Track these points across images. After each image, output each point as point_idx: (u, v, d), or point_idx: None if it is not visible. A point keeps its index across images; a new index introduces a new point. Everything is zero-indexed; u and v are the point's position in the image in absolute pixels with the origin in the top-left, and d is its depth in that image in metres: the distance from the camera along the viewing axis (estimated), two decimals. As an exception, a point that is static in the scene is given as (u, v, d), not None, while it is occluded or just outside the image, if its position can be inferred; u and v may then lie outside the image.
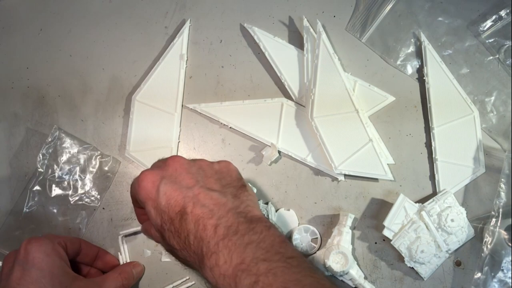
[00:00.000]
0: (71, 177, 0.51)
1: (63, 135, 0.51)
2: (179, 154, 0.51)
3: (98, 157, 0.51)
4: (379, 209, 0.47)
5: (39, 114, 0.53)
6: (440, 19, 0.50)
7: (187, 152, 0.51)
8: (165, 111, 0.51)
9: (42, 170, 0.50)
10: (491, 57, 0.49)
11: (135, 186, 0.35)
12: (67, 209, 0.50)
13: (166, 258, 0.49)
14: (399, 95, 0.48)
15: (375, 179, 0.48)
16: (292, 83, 0.49)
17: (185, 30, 0.52)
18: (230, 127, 0.50)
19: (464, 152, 0.47)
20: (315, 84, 0.48)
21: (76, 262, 0.46)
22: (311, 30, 0.49)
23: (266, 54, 0.50)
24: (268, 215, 0.47)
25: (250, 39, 0.51)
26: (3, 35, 0.55)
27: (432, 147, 0.47)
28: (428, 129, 0.48)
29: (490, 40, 0.49)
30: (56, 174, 0.50)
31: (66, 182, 0.50)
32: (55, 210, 0.50)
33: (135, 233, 0.49)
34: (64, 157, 0.51)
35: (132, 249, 0.49)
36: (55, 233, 0.50)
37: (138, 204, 0.36)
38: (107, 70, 0.53)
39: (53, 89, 0.53)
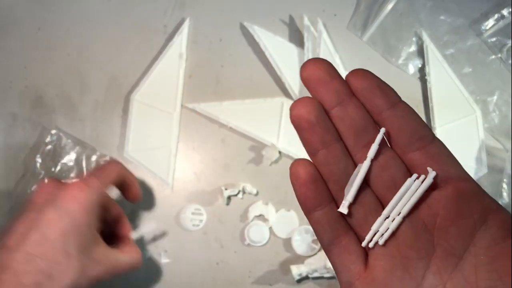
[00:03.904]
0: (69, 177, 0.50)
1: (61, 135, 0.51)
2: (178, 154, 0.50)
3: (97, 157, 0.50)
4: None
5: (37, 114, 0.52)
6: (442, 18, 0.49)
7: (186, 152, 0.50)
8: (164, 110, 0.50)
9: (40, 170, 0.50)
10: (493, 56, 0.48)
11: None
12: (66, 209, 0.50)
13: (166, 258, 0.48)
14: (400, 94, 0.48)
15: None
16: (293, 82, 0.49)
17: (184, 29, 0.51)
18: (230, 127, 0.50)
19: (466, 152, 0.47)
20: (315, 83, 0.47)
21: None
22: (312, 29, 0.49)
23: (267, 53, 0.50)
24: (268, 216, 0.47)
25: (250, 38, 0.51)
26: (0, 34, 0.54)
27: (434, 147, 0.47)
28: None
29: (492, 39, 0.49)
30: (54, 174, 0.50)
31: (64, 182, 0.50)
32: (53, 211, 0.50)
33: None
34: (62, 157, 0.50)
35: (131, 250, 0.49)
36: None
37: None
38: (105, 69, 0.52)
39: (51, 89, 0.53)
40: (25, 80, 0.53)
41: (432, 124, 0.47)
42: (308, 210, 0.23)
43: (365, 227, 0.22)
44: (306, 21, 0.49)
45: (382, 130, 0.22)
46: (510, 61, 0.48)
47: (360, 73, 0.22)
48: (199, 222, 0.48)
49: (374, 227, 0.22)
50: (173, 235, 0.49)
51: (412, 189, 0.21)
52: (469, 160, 0.46)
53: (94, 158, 0.50)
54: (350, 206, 0.22)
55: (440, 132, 0.47)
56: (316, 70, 0.22)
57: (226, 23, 0.52)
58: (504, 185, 0.45)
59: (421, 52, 0.49)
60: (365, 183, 0.22)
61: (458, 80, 0.48)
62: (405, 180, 0.22)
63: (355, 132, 0.22)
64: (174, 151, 0.50)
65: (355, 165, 0.22)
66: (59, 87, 0.53)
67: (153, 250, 0.49)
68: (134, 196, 0.44)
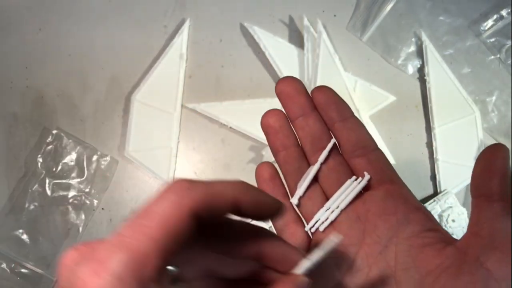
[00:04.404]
0: (70, 177, 0.50)
1: (62, 135, 0.51)
2: (178, 154, 0.50)
3: (97, 157, 0.50)
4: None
5: (38, 114, 0.52)
6: (441, 18, 0.49)
7: (186, 152, 0.50)
8: (165, 111, 0.50)
9: (41, 170, 0.50)
10: (492, 57, 0.49)
11: None
12: (66, 209, 0.50)
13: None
14: (400, 94, 0.48)
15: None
16: (293, 82, 0.49)
17: (185, 29, 0.52)
18: (230, 127, 0.50)
19: (465, 152, 0.47)
20: (315, 83, 0.47)
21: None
22: (312, 29, 0.49)
23: (266, 54, 0.50)
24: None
25: (250, 38, 0.51)
26: (1, 34, 0.54)
27: (433, 147, 0.47)
28: (429, 129, 0.48)
29: (491, 40, 0.49)
30: (55, 174, 0.50)
31: (65, 182, 0.50)
32: (54, 211, 0.50)
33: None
34: (63, 157, 0.50)
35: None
36: (55, 233, 0.50)
37: None
38: (106, 69, 0.52)
39: (52, 89, 0.53)
40: (26, 80, 0.53)
41: (431, 124, 0.47)
42: None
43: (311, 217, 0.27)
44: (306, 21, 0.49)
45: (332, 140, 0.26)
46: (509, 62, 0.48)
47: (322, 89, 0.27)
48: (200, 221, 0.49)
49: (316, 216, 0.26)
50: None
51: (351, 188, 0.26)
52: (468, 160, 0.47)
53: (95, 158, 0.50)
54: (300, 199, 0.27)
55: (439, 132, 0.47)
56: (286, 87, 0.27)
57: (226, 24, 0.52)
58: (503, 185, 0.45)
59: (420, 53, 0.49)
60: (316, 181, 0.27)
61: (457, 80, 0.48)
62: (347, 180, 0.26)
63: (311, 140, 0.27)
64: (175, 151, 0.50)
65: (308, 166, 0.27)
66: (60, 87, 0.53)
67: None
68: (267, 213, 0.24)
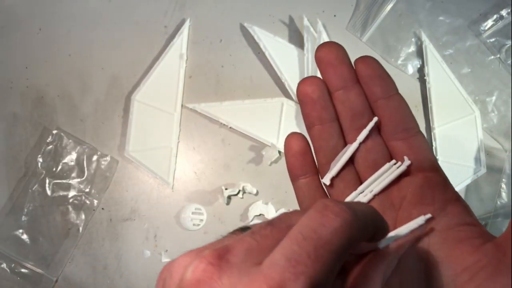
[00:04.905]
0: (70, 177, 0.50)
1: (62, 135, 0.51)
2: (178, 154, 0.50)
3: (97, 157, 0.50)
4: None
5: (38, 114, 0.52)
6: (441, 18, 0.49)
7: (187, 152, 0.50)
8: (165, 111, 0.51)
9: (41, 170, 0.50)
10: (492, 57, 0.49)
11: None
12: (66, 209, 0.50)
13: (166, 258, 0.48)
14: (399, 95, 0.48)
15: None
16: (292, 82, 0.49)
17: (185, 30, 0.52)
18: (230, 127, 0.50)
19: (465, 152, 0.47)
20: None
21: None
22: (312, 29, 0.49)
23: (266, 54, 0.50)
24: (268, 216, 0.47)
25: (250, 38, 0.51)
26: (1, 34, 0.54)
27: (433, 147, 0.47)
28: (429, 129, 0.48)
29: (491, 40, 0.49)
30: (55, 174, 0.50)
31: (65, 182, 0.50)
32: (54, 210, 0.50)
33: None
34: (64, 157, 0.50)
35: (131, 249, 0.49)
36: (55, 233, 0.50)
37: None
38: (106, 69, 0.52)
39: (52, 89, 0.53)
40: (26, 80, 0.53)
41: (431, 124, 0.47)
42: (294, 177, 0.25)
43: (341, 199, 0.24)
44: (305, 21, 0.49)
45: (375, 119, 0.24)
46: (509, 62, 0.48)
47: (367, 60, 0.24)
48: (200, 221, 0.49)
49: (347, 199, 0.24)
50: (173, 234, 0.49)
51: (388, 173, 0.24)
52: (468, 160, 0.47)
53: (95, 158, 0.50)
54: (332, 179, 0.25)
55: (439, 132, 0.47)
56: (328, 53, 0.24)
57: (226, 24, 0.52)
58: (503, 185, 0.45)
59: (420, 53, 0.49)
60: (350, 161, 0.25)
61: (457, 80, 0.48)
62: (385, 163, 0.24)
63: (352, 116, 0.24)
64: (175, 151, 0.50)
65: (345, 144, 0.25)
66: (60, 87, 0.53)
67: (153, 249, 0.49)
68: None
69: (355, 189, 0.24)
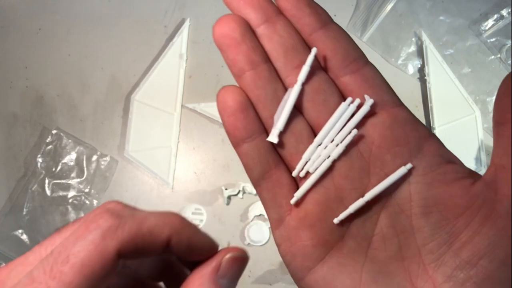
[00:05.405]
0: (70, 177, 0.50)
1: (62, 135, 0.51)
2: (178, 154, 0.50)
3: (97, 157, 0.50)
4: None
5: (38, 114, 0.52)
6: (441, 18, 0.49)
7: (186, 152, 0.50)
8: (165, 111, 0.50)
9: (41, 170, 0.50)
10: (493, 57, 0.48)
11: None
12: (66, 209, 0.50)
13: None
14: (400, 94, 0.48)
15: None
16: (293, 82, 0.49)
17: (185, 30, 0.51)
18: (230, 127, 0.50)
19: (465, 152, 0.47)
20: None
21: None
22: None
23: (266, 54, 0.50)
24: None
25: (250, 38, 0.51)
26: (1, 34, 0.54)
27: (433, 147, 0.47)
28: (429, 128, 0.48)
29: (491, 40, 0.49)
30: (55, 174, 0.50)
31: (64, 183, 0.50)
32: (54, 211, 0.50)
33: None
34: (63, 157, 0.50)
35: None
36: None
37: None
38: (106, 69, 0.52)
39: (52, 89, 0.53)
40: (26, 80, 0.53)
41: (431, 124, 0.47)
42: (237, 142, 0.21)
43: (296, 158, 0.20)
44: (306, 21, 0.49)
45: (314, 50, 0.20)
46: (509, 62, 0.48)
47: None
48: (199, 221, 0.49)
49: (305, 156, 0.20)
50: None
51: (346, 115, 0.20)
52: (469, 160, 0.46)
53: (94, 158, 0.50)
54: (280, 135, 0.20)
55: (439, 132, 0.47)
56: None
57: (226, 24, 0.52)
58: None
59: (420, 53, 0.49)
60: (297, 109, 0.20)
61: (458, 80, 0.48)
62: (339, 105, 0.20)
63: (284, 52, 0.20)
64: (174, 151, 0.50)
65: (285, 89, 0.20)
66: (60, 87, 0.53)
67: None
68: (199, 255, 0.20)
69: (309, 141, 0.20)
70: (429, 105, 0.47)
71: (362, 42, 0.50)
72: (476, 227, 0.18)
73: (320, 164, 0.20)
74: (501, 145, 0.18)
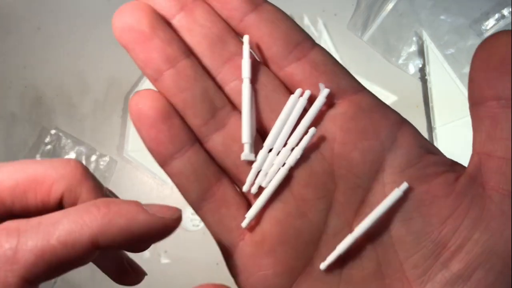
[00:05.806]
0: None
1: (61, 135, 0.51)
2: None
3: (96, 157, 0.50)
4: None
5: (37, 114, 0.52)
6: (442, 17, 0.49)
7: (187, 152, 0.50)
8: (164, 110, 0.50)
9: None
10: (494, 56, 0.48)
11: None
12: (65, 210, 0.50)
13: (166, 259, 0.48)
14: (401, 94, 0.48)
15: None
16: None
17: (185, 29, 0.51)
18: (230, 127, 0.50)
19: (466, 152, 0.47)
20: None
21: None
22: (312, 28, 0.49)
23: (266, 53, 0.49)
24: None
25: (250, 38, 0.51)
26: (0, 34, 0.54)
27: (435, 147, 0.47)
28: (430, 128, 0.48)
29: (492, 39, 0.49)
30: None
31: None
32: (52, 211, 0.50)
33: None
34: (62, 157, 0.50)
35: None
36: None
37: None
38: (105, 69, 0.52)
39: (51, 89, 0.52)
40: (25, 80, 0.53)
41: (432, 124, 0.47)
42: (163, 160, 0.17)
43: (243, 169, 0.17)
44: (306, 21, 0.49)
45: (246, 37, 0.16)
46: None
47: None
48: (199, 222, 0.48)
49: (255, 165, 0.17)
50: (173, 235, 0.49)
51: (297, 111, 0.16)
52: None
53: (93, 158, 0.50)
54: (221, 141, 0.17)
55: (440, 132, 0.47)
56: None
57: (226, 23, 0.52)
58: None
59: (421, 52, 0.49)
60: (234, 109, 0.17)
61: (459, 79, 0.48)
62: (286, 101, 0.16)
63: (210, 45, 0.16)
64: (174, 151, 0.50)
65: (219, 89, 0.17)
66: (59, 87, 0.53)
67: (153, 250, 0.49)
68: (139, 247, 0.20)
69: (257, 147, 0.17)
70: (430, 104, 0.47)
71: (363, 42, 0.50)
72: (466, 232, 0.15)
73: (275, 174, 0.16)
74: (483, 129, 0.15)
